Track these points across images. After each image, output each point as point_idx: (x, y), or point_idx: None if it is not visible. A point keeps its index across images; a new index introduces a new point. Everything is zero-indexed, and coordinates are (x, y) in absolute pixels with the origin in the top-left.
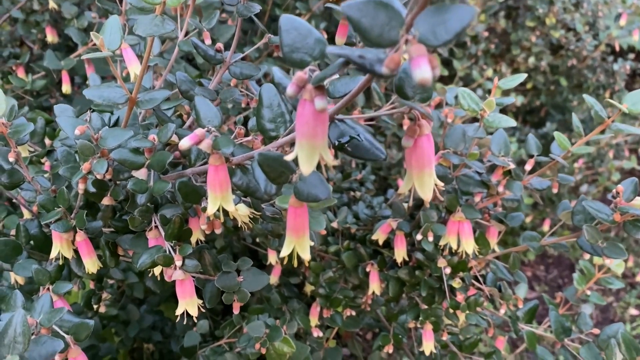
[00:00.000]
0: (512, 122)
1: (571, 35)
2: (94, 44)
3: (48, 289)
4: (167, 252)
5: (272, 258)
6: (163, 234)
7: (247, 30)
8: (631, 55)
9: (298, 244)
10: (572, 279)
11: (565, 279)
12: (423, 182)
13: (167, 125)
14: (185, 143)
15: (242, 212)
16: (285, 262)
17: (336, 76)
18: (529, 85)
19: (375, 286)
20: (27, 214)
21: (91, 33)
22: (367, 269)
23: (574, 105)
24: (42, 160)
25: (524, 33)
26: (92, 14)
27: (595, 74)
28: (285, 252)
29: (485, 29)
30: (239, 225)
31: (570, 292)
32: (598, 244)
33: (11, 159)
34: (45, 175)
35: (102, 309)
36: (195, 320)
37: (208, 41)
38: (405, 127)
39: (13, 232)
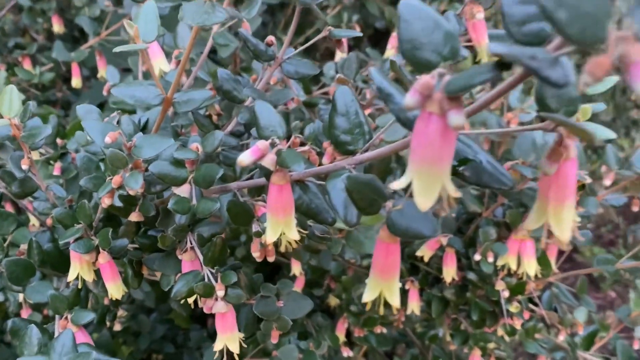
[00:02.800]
0: (611, 134)
1: None
2: (107, 35)
3: (66, 318)
4: (206, 278)
5: (295, 269)
6: (200, 256)
7: (267, 23)
8: None
9: (387, 287)
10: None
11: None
12: (561, 218)
13: (213, 133)
14: (246, 159)
15: (295, 238)
16: (368, 307)
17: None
18: None
19: (414, 305)
20: (34, 221)
21: (124, 21)
22: (406, 287)
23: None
24: (51, 162)
25: None
26: (105, 1)
27: None
28: (370, 296)
29: None
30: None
31: (624, 313)
32: None
33: (24, 167)
34: (59, 180)
35: (117, 327)
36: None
37: (247, 31)
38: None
39: (23, 247)
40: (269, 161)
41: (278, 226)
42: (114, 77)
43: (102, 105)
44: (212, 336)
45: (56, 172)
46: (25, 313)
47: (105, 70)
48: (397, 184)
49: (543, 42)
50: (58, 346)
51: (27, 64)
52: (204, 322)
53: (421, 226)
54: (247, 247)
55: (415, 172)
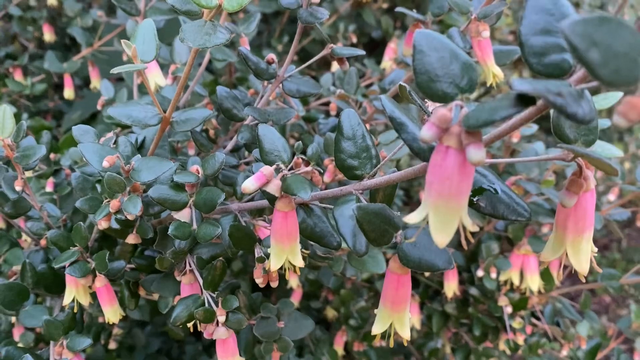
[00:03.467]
0: (618, 152)
1: None
2: (100, 45)
3: (62, 344)
4: (206, 303)
5: (293, 282)
6: (200, 279)
7: (262, 31)
8: None
9: (397, 319)
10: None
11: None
12: (580, 249)
13: (214, 155)
14: (250, 186)
15: (300, 265)
16: (377, 339)
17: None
18: None
19: (415, 319)
20: (26, 237)
21: (122, 42)
22: None
23: None
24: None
25: None
26: (98, 12)
27: None
28: (380, 328)
29: None
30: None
31: (624, 324)
32: None
33: (18, 188)
34: (53, 196)
35: (112, 346)
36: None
37: (246, 47)
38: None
39: (16, 268)
40: (274, 187)
41: (283, 253)
42: (108, 91)
43: (94, 115)
44: (207, 349)
45: (49, 188)
46: (17, 332)
47: (98, 81)
48: (412, 217)
49: (565, 73)
50: None
51: (18, 75)
52: (199, 335)
53: (435, 258)
54: (243, 259)
55: (432, 206)
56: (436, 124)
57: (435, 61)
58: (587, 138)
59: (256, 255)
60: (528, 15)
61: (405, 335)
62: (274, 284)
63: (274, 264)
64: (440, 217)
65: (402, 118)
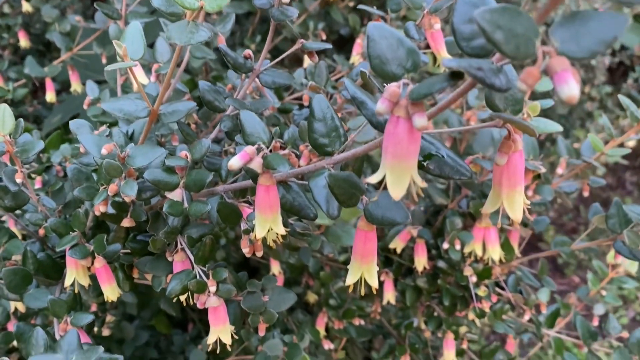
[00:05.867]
0: (558, 127)
1: None
2: (79, 49)
3: (66, 321)
4: (198, 276)
5: (275, 268)
6: (191, 256)
7: (234, 31)
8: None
9: (366, 270)
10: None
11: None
12: (514, 201)
13: (200, 141)
14: (236, 163)
15: (282, 232)
16: (350, 289)
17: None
18: None
19: (390, 295)
20: (17, 234)
21: (114, 42)
22: (381, 278)
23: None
24: (33, 176)
25: None
26: (76, 17)
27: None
28: (352, 279)
29: None
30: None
31: (583, 293)
32: (638, 248)
33: (18, 180)
34: (42, 192)
35: (106, 332)
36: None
37: (224, 45)
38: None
39: (15, 257)
40: (256, 164)
41: (266, 223)
42: (93, 92)
43: (74, 118)
44: (195, 339)
45: (37, 186)
46: (12, 325)
47: (78, 84)
48: (372, 178)
49: (488, 54)
50: (64, 345)
51: None
52: (185, 327)
53: (395, 214)
54: (226, 250)
55: (388, 167)
56: (388, 99)
57: (385, 47)
58: (514, 108)
59: (242, 228)
60: (459, 7)
61: (374, 284)
62: (259, 253)
63: (259, 232)
64: (395, 175)
65: (363, 97)
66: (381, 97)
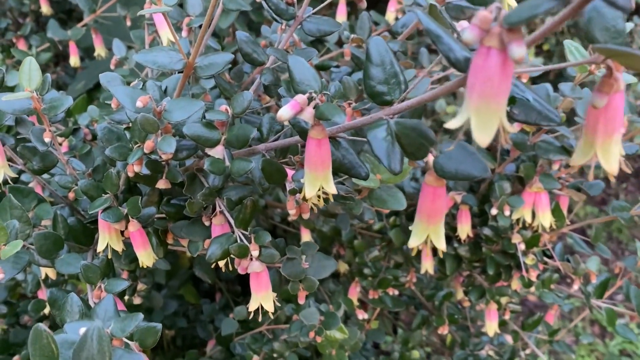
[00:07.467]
0: (631, 78)
1: None
2: (102, 12)
3: (100, 287)
4: (239, 240)
5: (305, 237)
6: (230, 219)
7: None
8: None
9: (433, 231)
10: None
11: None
12: (609, 151)
13: (242, 94)
14: (286, 113)
15: (333, 191)
16: (414, 252)
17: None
18: (545, 47)
19: (428, 265)
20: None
21: None
22: (419, 247)
23: None
24: (60, 141)
25: None
26: None
27: None
28: (416, 241)
29: None
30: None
31: (631, 262)
32: None
33: (47, 139)
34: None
35: (138, 301)
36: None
37: None
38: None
39: (45, 222)
40: (307, 115)
41: (317, 181)
42: (120, 51)
43: (99, 85)
44: (224, 309)
45: (64, 150)
46: (42, 294)
47: (102, 48)
48: (452, 123)
49: None
50: (101, 311)
51: (21, 45)
52: (213, 297)
53: (470, 167)
54: (255, 218)
55: (473, 108)
56: (478, 25)
57: None
58: (616, 41)
59: (288, 188)
60: None
61: (442, 246)
62: (306, 215)
63: (308, 192)
64: (482, 118)
65: (438, 31)
66: (470, 25)
